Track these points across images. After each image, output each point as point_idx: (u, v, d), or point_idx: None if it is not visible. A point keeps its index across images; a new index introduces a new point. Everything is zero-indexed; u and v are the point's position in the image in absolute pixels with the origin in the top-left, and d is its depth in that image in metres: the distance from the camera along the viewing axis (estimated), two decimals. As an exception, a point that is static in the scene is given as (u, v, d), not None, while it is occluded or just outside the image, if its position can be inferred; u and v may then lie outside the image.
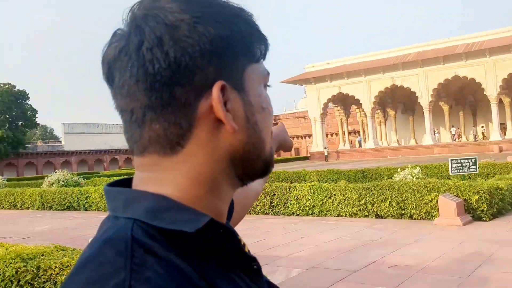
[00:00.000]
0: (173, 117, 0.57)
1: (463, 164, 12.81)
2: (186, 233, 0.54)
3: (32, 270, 4.22)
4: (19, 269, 4.28)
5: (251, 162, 0.62)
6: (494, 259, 6.69)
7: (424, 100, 43.76)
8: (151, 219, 0.55)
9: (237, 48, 0.59)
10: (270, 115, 0.65)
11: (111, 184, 0.62)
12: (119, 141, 71.39)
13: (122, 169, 53.70)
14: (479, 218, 9.82)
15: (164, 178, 0.58)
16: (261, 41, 0.63)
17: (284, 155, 61.79)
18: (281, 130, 1.13)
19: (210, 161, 0.58)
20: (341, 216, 11.47)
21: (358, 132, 56.91)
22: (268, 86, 0.67)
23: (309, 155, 53.48)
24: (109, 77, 0.60)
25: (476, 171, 12.99)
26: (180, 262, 0.52)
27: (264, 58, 0.65)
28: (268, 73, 0.67)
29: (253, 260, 0.61)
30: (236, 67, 0.59)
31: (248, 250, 0.63)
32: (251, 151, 0.61)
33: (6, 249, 4.90)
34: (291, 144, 1.17)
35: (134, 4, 0.60)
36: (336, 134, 59.63)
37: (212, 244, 0.56)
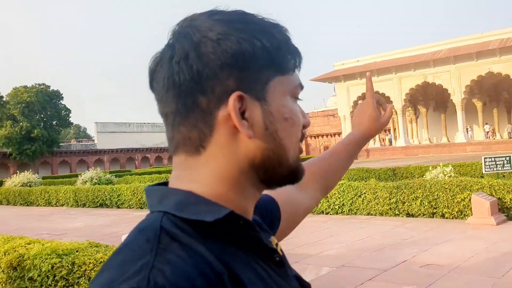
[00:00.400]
0: (196, 122, 0.64)
1: (497, 162, 12.52)
2: (207, 222, 0.60)
3: (67, 266, 4.30)
4: (54, 265, 4.37)
5: (272, 167, 0.66)
6: (529, 260, 6.54)
7: (457, 97, 42.80)
8: (179, 211, 0.62)
9: (259, 61, 0.64)
10: (294, 125, 0.68)
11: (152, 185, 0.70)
12: (150, 140, 72.31)
13: (153, 167, 54.26)
14: (513, 218, 9.61)
15: (192, 175, 0.65)
16: (291, 54, 0.68)
17: (312, 153, 61.46)
18: (360, 112, 1.22)
19: (230, 162, 0.65)
20: (371, 214, 11.37)
21: (389, 130, 56.08)
22: (299, 99, 0.71)
23: (338, 153, 52.90)
24: (152, 85, 0.68)
25: (511, 169, 12.66)
26: (201, 248, 0.58)
27: (293, 70, 0.69)
28: (300, 85, 0.71)
29: (274, 252, 0.67)
30: (258, 79, 0.64)
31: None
32: (271, 157, 0.66)
33: (42, 245, 4.99)
34: (386, 116, 1.21)
35: (180, 21, 0.67)
36: (366, 132, 58.85)
37: (232, 234, 0.62)
